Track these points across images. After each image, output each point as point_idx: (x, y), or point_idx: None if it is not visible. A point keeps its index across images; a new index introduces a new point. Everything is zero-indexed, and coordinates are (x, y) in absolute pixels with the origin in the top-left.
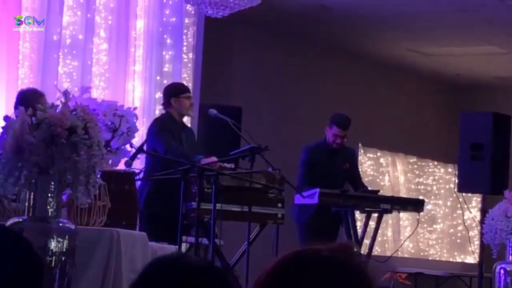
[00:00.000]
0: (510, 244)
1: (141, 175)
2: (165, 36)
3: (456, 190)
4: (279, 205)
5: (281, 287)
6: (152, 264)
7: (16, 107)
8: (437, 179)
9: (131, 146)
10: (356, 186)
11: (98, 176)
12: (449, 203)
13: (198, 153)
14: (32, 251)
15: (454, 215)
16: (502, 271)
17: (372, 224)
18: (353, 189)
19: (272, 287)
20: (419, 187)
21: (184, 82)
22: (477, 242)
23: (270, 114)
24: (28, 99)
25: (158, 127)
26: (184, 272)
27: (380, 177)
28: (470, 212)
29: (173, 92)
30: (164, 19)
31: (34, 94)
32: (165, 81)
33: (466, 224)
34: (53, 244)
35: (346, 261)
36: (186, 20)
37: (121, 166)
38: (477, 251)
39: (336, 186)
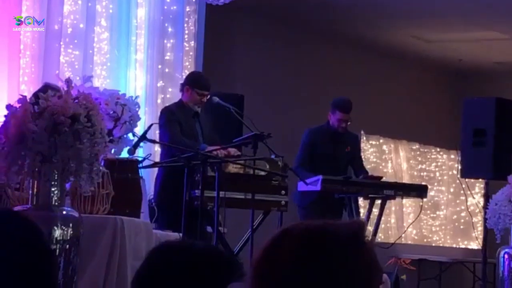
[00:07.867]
0: None
1: (144, 163)
2: (166, 24)
3: (459, 176)
4: (283, 192)
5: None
6: (157, 248)
7: None
8: (440, 165)
9: (134, 134)
10: (357, 170)
11: (101, 164)
12: (452, 189)
13: (214, 142)
14: (42, 239)
15: (457, 201)
16: (506, 256)
17: (375, 210)
18: (354, 173)
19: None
20: (422, 173)
21: (186, 70)
22: (480, 228)
23: (272, 101)
24: None
25: (165, 118)
26: (189, 255)
27: (383, 164)
28: (474, 198)
29: (191, 81)
30: (165, 7)
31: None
32: (166, 70)
33: (469, 210)
34: (57, 233)
35: (353, 236)
36: (187, 8)
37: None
38: (481, 236)
39: (338, 170)
